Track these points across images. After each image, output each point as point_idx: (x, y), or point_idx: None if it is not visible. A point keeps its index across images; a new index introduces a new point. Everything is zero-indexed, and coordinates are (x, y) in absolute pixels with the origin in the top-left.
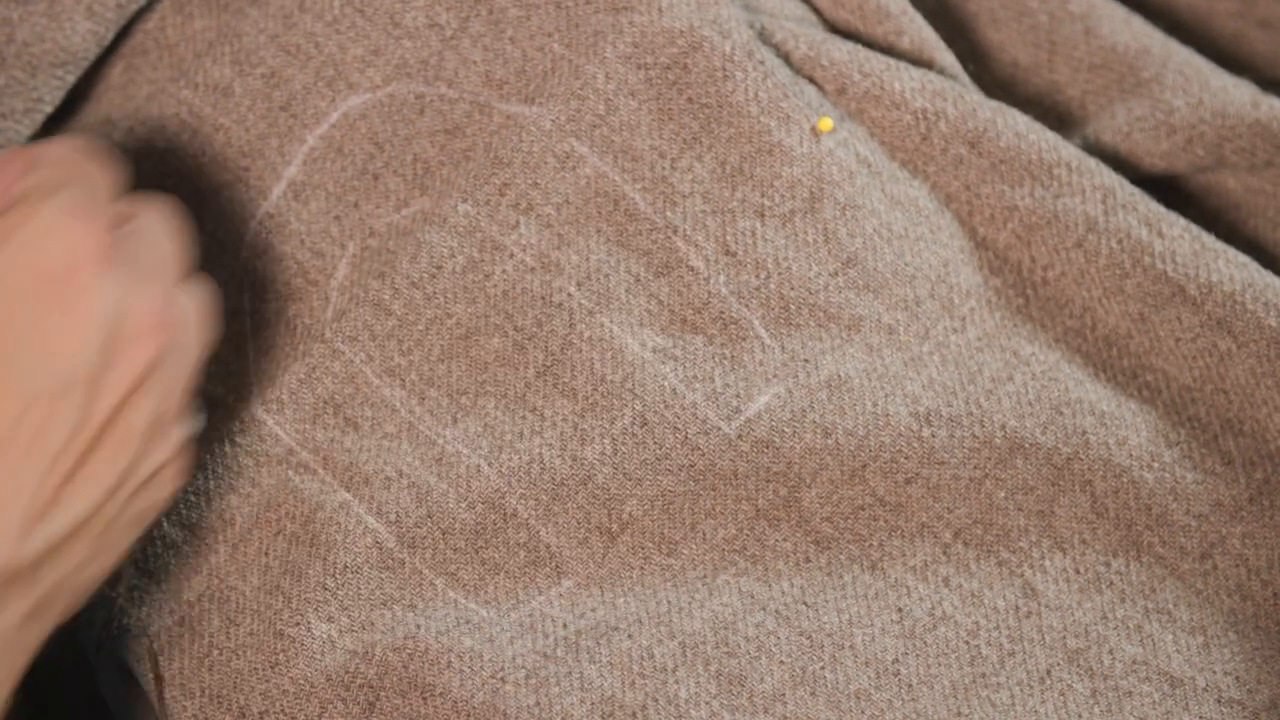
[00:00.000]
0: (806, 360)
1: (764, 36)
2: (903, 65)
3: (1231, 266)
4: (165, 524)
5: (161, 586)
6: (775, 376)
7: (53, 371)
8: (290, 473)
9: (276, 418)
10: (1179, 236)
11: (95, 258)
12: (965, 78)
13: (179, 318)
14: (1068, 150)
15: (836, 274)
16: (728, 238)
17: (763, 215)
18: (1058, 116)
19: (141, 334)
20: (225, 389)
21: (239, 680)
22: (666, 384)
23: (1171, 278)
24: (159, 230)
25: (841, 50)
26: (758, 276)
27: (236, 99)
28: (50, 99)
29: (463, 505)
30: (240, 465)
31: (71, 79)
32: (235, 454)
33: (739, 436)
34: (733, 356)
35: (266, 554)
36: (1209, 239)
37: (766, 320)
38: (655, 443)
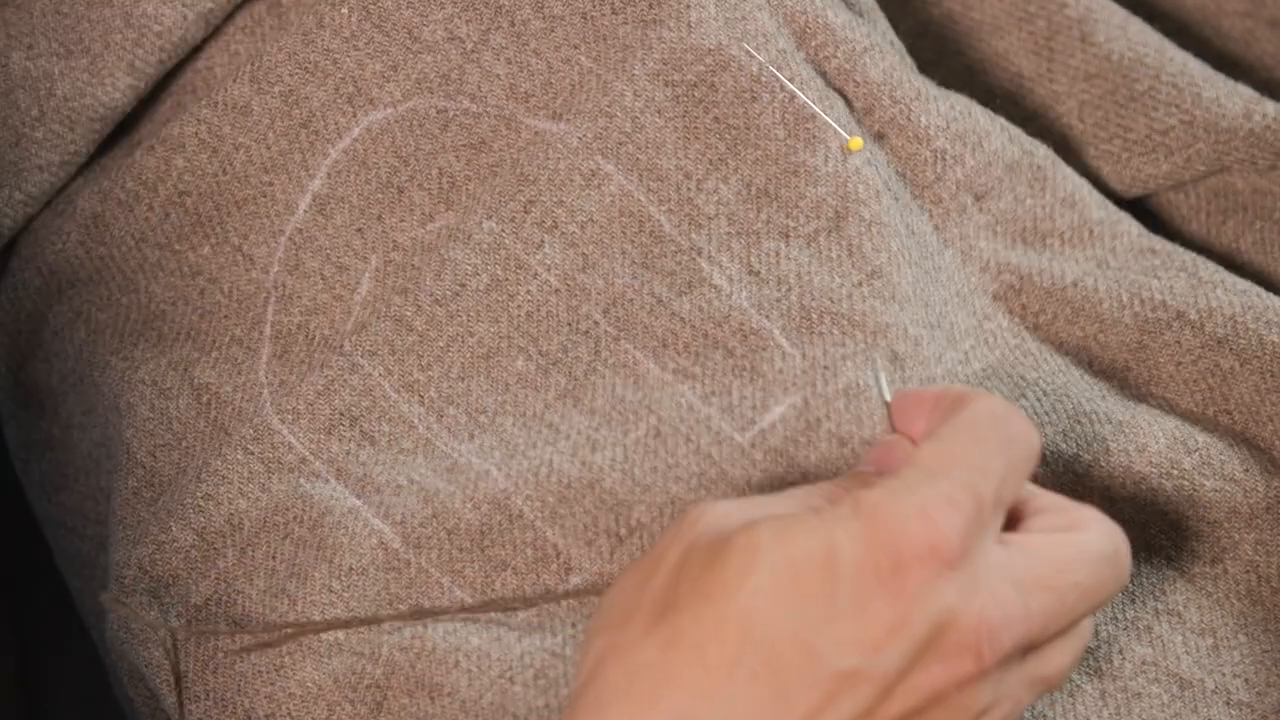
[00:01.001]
0: (826, 367)
1: (803, 39)
2: (936, 96)
3: (1231, 294)
4: (174, 528)
5: (170, 590)
6: (794, 385)
7: (854, 653)
8: (302, 480)
9: (291, 427)
10: (1175, 276)
11: (945, 557)
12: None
13: (1004, 651)
14: (1064, 218)
15: (861, 284)
16: (752, 259)
17: (787, 236)
18: (1059, 132)
19: (957, 653)
20: (241, 395)
21: (243, 683)
22: (684, 400)
23: (1171, 304)
24: (1043, 560)
25: (878, 68)
26: (779, 290)
27: (255, 117)
28: (86, 151)
29: (468, 505)
30: (251, 472)
31: (107, 131)
32: (247, 461)
33: (752, 446)
34: (752, 367)
35: (274, 558)
36: (1206, 272)
37: (787, 329)
38: (667, 452)
